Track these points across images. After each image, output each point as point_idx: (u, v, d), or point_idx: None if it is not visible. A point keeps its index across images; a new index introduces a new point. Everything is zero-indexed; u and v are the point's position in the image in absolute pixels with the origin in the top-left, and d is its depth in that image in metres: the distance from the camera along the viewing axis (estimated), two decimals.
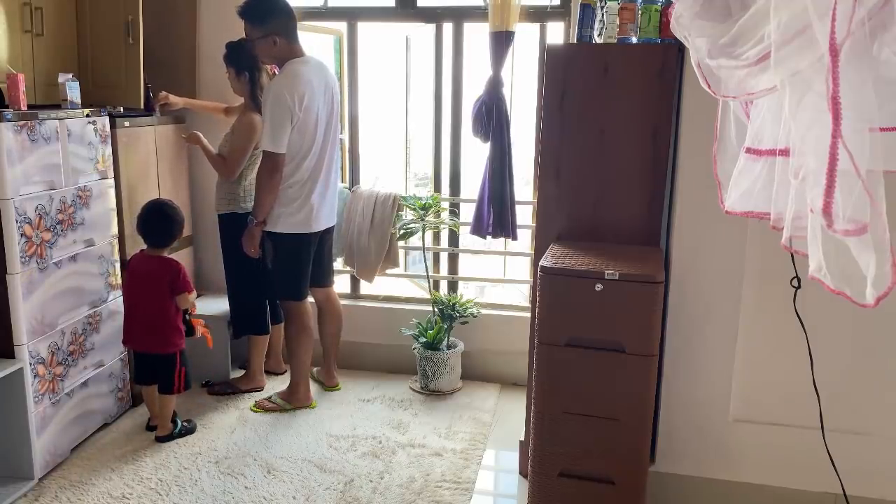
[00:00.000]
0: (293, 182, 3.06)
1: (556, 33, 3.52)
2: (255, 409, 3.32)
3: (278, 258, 3.17)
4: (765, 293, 2.34)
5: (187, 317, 3.05)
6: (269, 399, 3.36)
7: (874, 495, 2.37)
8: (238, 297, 3.50)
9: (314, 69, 3.06)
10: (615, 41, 2.47)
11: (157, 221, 2.99)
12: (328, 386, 3.56)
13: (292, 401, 3.33)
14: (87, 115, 2.92)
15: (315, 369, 3.62)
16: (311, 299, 3.35)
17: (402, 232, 3.60)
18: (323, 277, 3.43)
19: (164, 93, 3.43)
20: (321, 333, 3.52)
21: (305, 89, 2.96)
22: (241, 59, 3.22)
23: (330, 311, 3.51)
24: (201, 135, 3.37)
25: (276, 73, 3.25)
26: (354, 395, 3.51)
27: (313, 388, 3.49)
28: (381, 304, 3.89)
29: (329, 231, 3.36)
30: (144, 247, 3.04)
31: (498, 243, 3.87)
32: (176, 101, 3.46)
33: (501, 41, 3.30)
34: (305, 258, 3.21)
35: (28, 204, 2.58)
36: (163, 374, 2.99)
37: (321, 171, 3.12)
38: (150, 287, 2.93)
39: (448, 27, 3.61)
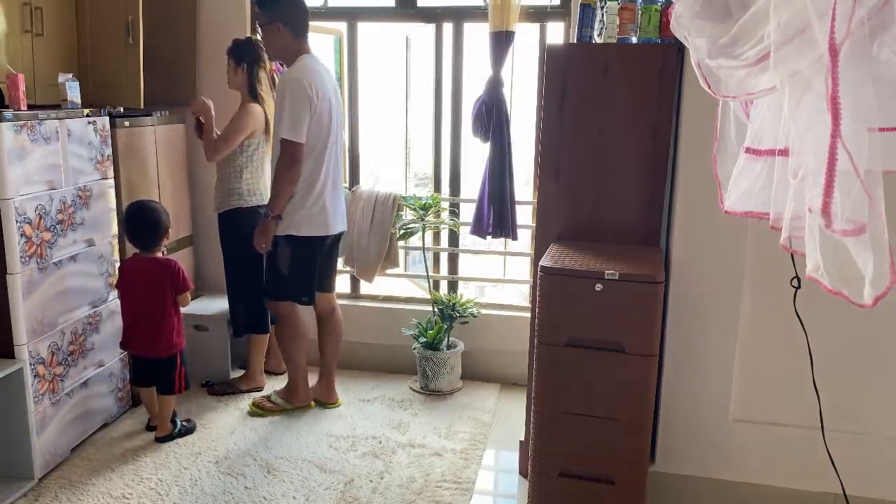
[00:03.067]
0: (309, 182, 3.01)
1: (556, 33, 3.52)
2: (254, 408, 3.31)
3: (293, 260, 3.10)
4: (765, 293, 2.34)
5: None
6: (268, 398, 3.35)
7: (874, 495, 2.37)
8: (238, 296, 3.49)
9: (322, 67, 3.09)
10: (615, 41, 2.47)
11: (140, 223, 2.97)
12: (328, 403, 3.38)
13: (292, 400, 3.32)
14: (87, 115, 2.92)
15: (313, 385, 3.44)
16: None
17: (402, 232, 3.59)
18: (327, 282, 3.38)
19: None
20: (321, 349, 3.39)
21: (319, 82, 2.98)
22: (243, 54, 3.25)
23: (332, 324, 3.38)
24: (211, 106, 3.29)
25: (281, 72, 3.26)
26: (354, 395, 3.51)
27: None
28: (381, 304, 3.89)
29: (339, 237, 3.29)
30: (136, 250, 3.01)
31: (498, 243, 3.87)
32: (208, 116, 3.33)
33: (501, 41, 3.30)
34: (315, 261, 3.17)
35: (28, 204, 2.58)
36: (163, 376, 2.99)
37: (332, 173, 3.09)
38: (151, 289, 2.92)
39: (448, 27, 3.61)
